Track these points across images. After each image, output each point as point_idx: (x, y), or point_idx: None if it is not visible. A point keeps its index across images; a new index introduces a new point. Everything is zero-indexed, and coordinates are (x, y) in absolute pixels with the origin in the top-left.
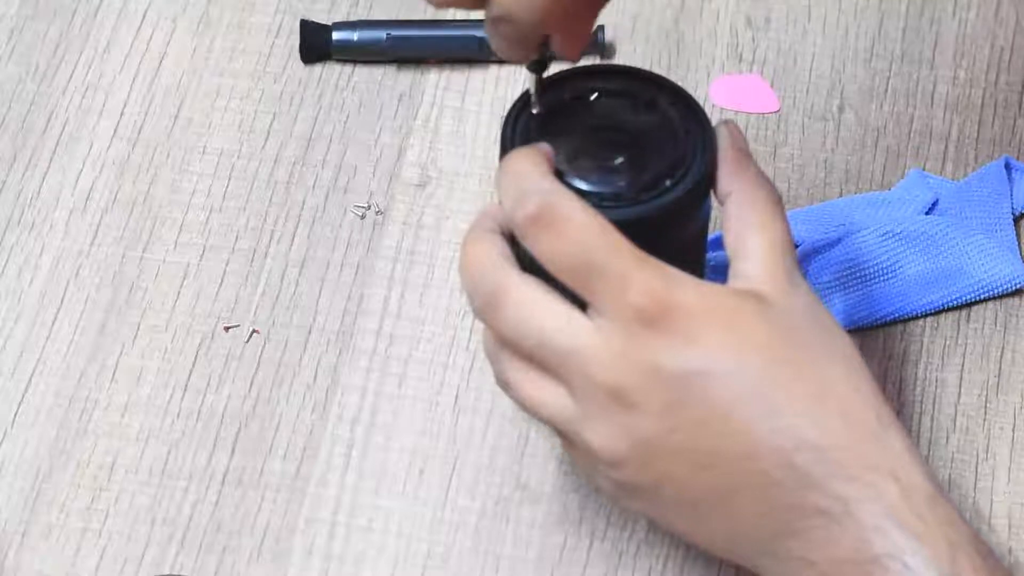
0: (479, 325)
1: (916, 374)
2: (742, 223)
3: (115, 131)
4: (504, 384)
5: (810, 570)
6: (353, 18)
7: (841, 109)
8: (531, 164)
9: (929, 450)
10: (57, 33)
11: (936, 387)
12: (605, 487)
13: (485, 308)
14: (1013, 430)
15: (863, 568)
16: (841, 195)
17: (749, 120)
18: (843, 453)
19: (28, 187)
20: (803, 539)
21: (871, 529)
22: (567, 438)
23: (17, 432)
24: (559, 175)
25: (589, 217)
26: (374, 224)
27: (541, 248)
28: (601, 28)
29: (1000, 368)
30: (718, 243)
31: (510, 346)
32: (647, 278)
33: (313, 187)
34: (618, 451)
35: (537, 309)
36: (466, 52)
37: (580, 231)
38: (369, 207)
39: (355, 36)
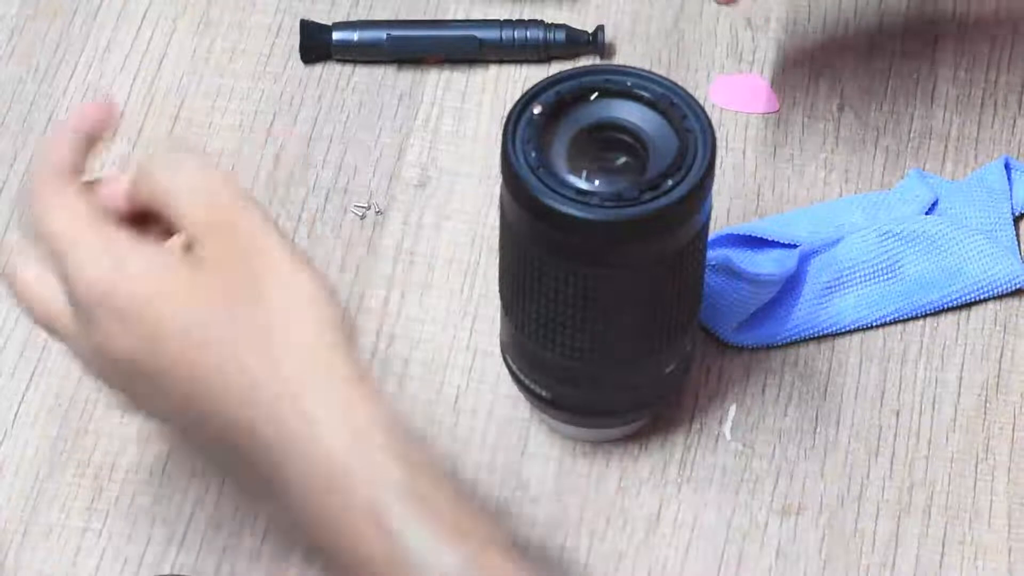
0: (479, 325)
1: (916, 374)
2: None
3: (115, 131)
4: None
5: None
6: (353, 18)
7: (841, 109)
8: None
9: (929, 450)
10: (57, 33)
11: (936, 387)
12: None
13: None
14: (1013, 430)
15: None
16: (841, 195)
17: (749, 120)
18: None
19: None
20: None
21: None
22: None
23: (17, 432)
24: (560, 175)
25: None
26: (374, 224)
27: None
28: (601, 28)
29: (1000, 368)
30: (718, 243)
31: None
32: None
33: (313, 187)
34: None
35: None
36: (466, 52)
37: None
38: (369, 207)
39: (355, 36)
